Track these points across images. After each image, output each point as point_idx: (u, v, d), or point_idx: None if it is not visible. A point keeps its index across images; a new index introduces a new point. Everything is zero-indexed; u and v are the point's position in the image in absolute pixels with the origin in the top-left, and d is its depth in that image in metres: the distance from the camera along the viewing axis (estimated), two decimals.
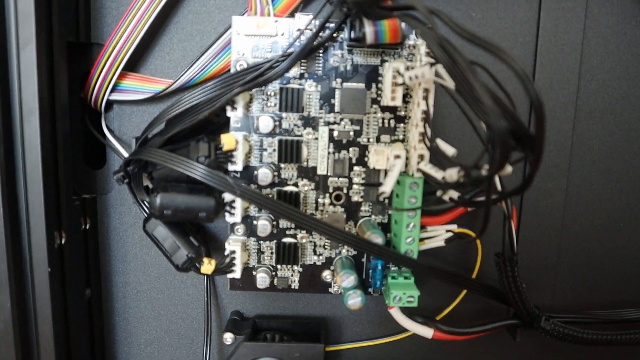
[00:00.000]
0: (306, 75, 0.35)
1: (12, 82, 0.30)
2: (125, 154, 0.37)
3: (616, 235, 0.40)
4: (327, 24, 0.33)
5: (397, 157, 0.34)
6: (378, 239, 0.34)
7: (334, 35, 0.34)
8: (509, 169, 0.30)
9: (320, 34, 0.33)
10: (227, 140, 0.33)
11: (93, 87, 0.36)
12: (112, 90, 0.36)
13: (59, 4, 0.33)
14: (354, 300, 0.35)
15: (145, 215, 0.36)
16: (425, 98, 0.33)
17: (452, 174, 0.31)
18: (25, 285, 0.33)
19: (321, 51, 0.35)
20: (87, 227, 0.38)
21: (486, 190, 0.28)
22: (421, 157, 0.34)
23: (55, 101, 0.33)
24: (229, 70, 0.35)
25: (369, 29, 0.32)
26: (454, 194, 0.34)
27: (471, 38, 0.24)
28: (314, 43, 0.34)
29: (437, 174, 0.33)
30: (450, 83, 0.30)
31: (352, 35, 0.33)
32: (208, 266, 0.35)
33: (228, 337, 0.37)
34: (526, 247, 0.40)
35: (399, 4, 0.28)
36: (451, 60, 0.26)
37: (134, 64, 0.37)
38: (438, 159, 0.33)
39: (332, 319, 0.41)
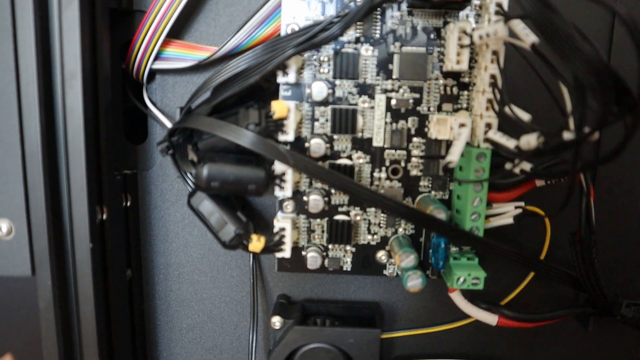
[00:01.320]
0: (362, 39, 0.32)
1: (54, 42, 0.29)
2: (169, 125, 0.35)
3: None
4: None
5: (463, 125, 0.31)
6: (442, 214, 0.31)
7: None
8: (596, 134, 0.27)
9: None
10: (278, 107, 0.31)
11: (135, 55, 0.34)
12: (155, 59, 0.34)
13: None
14: (414, 281, 0.32)
15: (190, 189, 0.33)
16: (495, 61, 0.31)
17: (531, 140, 0.28)
18: (66, 262, 0.31)
19: (378, 12, 0.32)
20: (129, 204, 0.36)
21: (573, 157, 0.25)
22: (489, 125, 0.31)
23: (97, 69, 0.32)
24: (279, 35, 0.33)
25: None
26: (525, 165, 0.31)
27: None
28: (371, 3, 0.31)
29: (509, 142, 0.30)
30: (528, 39, 0.27)
31: None
32: (257, 243, 0.32)
33: (277, 321, 0.34)
34: (602, 227, 0.36)
35: None
36: (542, 10, 0.23)
37: (177, 31, 0.35)
38: (511, 126, 0.30)
39: (386, 304, 0.38)
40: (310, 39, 0.31)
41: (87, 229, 0.31)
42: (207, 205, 0.33)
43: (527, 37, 0.27)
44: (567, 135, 0.25)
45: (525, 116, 0.30)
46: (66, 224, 0.31)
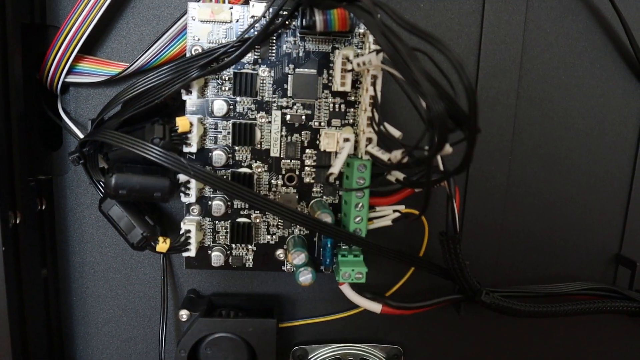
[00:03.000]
0: (260, 60, 0.36)
1: None
2: (81, 136, 0.37)
3: (554, 214, 0.43)
4: (280, 12, 0.34)
5: (346, 140, 0.36)
6: (327, 218, 0.36)
7: (287, 22, 0.36)
8: (449, 149, 0.32)
9: (274, 21, 0.35)
10: (181, 123, 0.34)
11: (48, 69, 0.36)
12: (68, 73, 0.36)
13: None
14: (305, 276, 0.36)
15: (101, 195, 0.36)
16: (373, 84, 0.35)
17: (397, 155, 0.33)
18: None
19: (275, 37, 0.36)
20: (44, 207, 0.38)
21: (426, 170, 0.30)
22: (369, 140, 0.36)
23: (9, 82, 0.34)
24: (185, 55, 0.36)
25: (318, 18, 0.33)
26: (400, 175, 0.36)
27: (411, 29, 0.26)
28: (268, 30, 0.35)
29: (384, 156, 0.35)
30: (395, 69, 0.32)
31: (304, 23, 0.34)
32: (163, 245, 0.36)
33: (184, 314, 0.38)
34: (471, 225, 0.42)
35: None
36: (392, 47, 0.27)
37: (90, 47, 0.37)
38: (385, 142, 0.35)
39: (286, 296, 0.42)
40: (212, 62, 0.34)
41: None
42: (116, 211, 0.36)
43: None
44: (424, 152, 0.30)
45: (396, 133, 0.35)
46: None
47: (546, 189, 0.43)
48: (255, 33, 0.35)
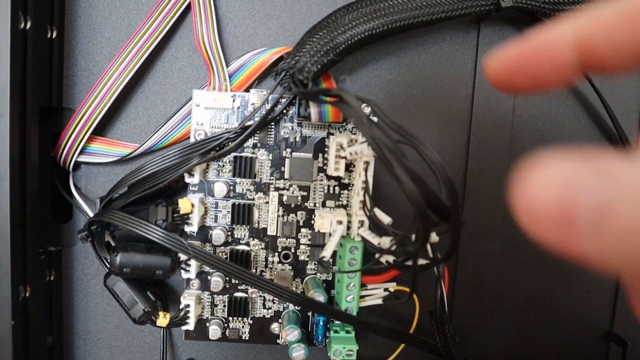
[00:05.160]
0: (259, 144, 0.38)
1: None
2: (90, 213, 0.39)
3: (545, 294, 0.44)
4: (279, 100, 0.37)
5: (339, 222, 0.38)
6: (320, 297, 0.37)
7: (284, 110, 0.38)
8: (435, 237, 0.33)
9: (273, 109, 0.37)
10: (183, 205, 0.37)
11: (63, 149, 0.39)
12: (81, 153, 0.39)
13: (33, 73, 0.36)
14: (298, 352, 0.38)
15: (107, 270, 0.38)
16: (365, 170, 0.37)
17: (386, 242, 0.34)
18: None
19: (273, 123, 0.38)
20: (52, 278, 0.40)
21: (413, 263, 0.31)
22: (361, 222, 0.37)
23: (26, 163, 0.36)
24: (189, 137, 0.38)
25: (313, 110, 0.36)
26: (390, 257, 0.38)
27: (396, 129, 0.28)
28: (267, 118, 0.37)
29: (374, 239, 0.36)
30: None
31: (300, 112, 0.37)
32: (163, 320, 0.37)
33: None
34: (463, 303, 0.43)
35: (331, 93, 0.32)
36: (376, 145, 0.28)
37: (101, 129, 0.40)
38: (375, 226, 0.36)
39: None
40: (214, 148, 0.36)
41: (9, 307, 0.35)
42: (120, 286, 0.38)
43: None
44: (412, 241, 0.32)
45: (386, 219, 0.37)
46: None
47: (536, 268, 0.44)
48: (256, 120, 0.37)
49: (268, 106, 0.37)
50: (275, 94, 0.37)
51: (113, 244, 0.38)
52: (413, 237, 0.32)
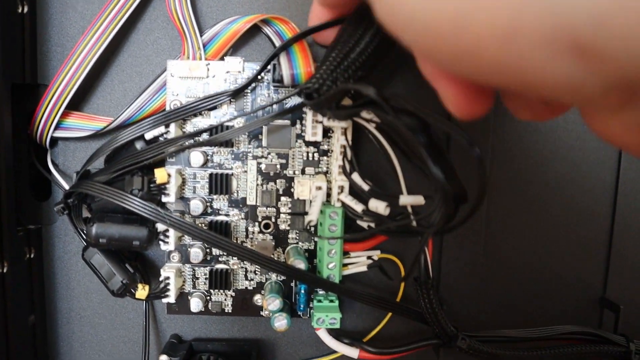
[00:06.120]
0: (235, 112, 0.38)
1: None
2: (67, 188, 0.39)
3: (536, 258, 0.43)
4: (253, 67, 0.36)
5: (319, 188, 0.37)
6: (301, 264, 0.37)
7: (260, 76, 0.37)
8: (421, 200, 0.33)
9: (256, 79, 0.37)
10: (160, 175, 0.36)
11: (37, 125, 0.38)
12: (56, 128, 0.38)
13: (4, 48, 0.36)
14: (280, 322, 0.37)
15: (84, 244, 0.38)
16: (344, 134, 0.36)
17: (379, 206, 0.34)
18: None
19: (249, 91, 0.38)
20: (32, 256, 0.40)
21: (421, 244, 0.30)
22: (341, 188, 0.37)
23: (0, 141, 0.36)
24: (164, 109, 0.38)
25: (286, 73, 0.35)
26: (372, 222, 0.37)
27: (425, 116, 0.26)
28: (241, 86, 0.37)
29: (357, 205, 0.36)
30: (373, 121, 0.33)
31: (275, 77, 0.36)
32: (142, 291, 0.37)
33: (164, 359, 0.39)
34: (451, 269, 0.42)
35: (360, 101, 0.29)
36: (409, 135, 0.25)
37: (77, 104, 0.39)
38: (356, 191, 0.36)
39: (266, 341, 0.43)
40: (185, 116, 0.36)
41: None
42: (98, 259, 0.37)
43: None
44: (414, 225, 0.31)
45: (365, 186, 0.36)
46: None
47: (526, 233, 0.43)
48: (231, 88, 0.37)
49: (245, 75, 0.37)
50: (254, 62, 0.37)
51: (90, 217, 0.38)
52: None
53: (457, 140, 0.25)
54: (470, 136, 0.23)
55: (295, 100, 0.38)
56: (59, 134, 0.39)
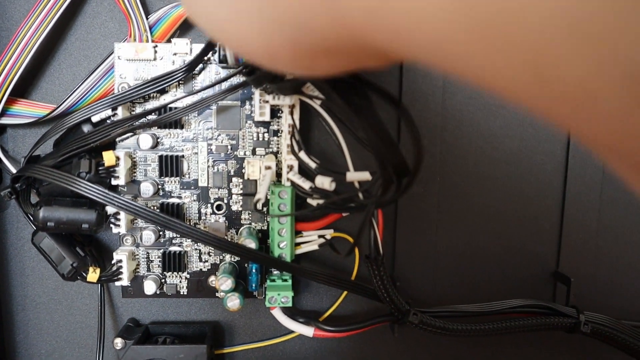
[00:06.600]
0: (184, 94, 0.38)
1: None
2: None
3: (489, 234, 0.44)
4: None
5: (268, 168, 0.37)
6: (251, 244, 0.37)
7: (209, 59, 0.37)
8: (368, 176, 0.33)
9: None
10: (107, 157, 0.36)
11: None
12: (3, 115, 0.38)
13: None
14: (233, 302, 0.37)
15: (34, 228, 0.38)
16: (291, 113, 0.37)
17: (325, 182, 0.34)
18: None
19: (197, 72, 0.38)
20: None
21: (365, 217, 0.30)
22: (290, 167, 0.37)
23: None
24: (113, 92, 0.38)
25: (229, 52, 0.35)
26: (321, 200, 0.37)
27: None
28: (189, 67, 0.37)
29: (305, 183, 0.36)
30: (318, 97, 0.33)
31: (220, 58, 0.36)
32: (93, 275, 0.37)
33: (118, 342, 0.39)
34: (405, 246, 0.43)
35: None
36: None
37: (25, 89, 0.39)
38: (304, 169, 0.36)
39: (224, 323, 0.43)
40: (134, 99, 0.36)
41: None
42: (47, 243, 0.37)
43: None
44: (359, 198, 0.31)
45: (312, 164, 0.36)
46: None
47: (478, 209, 0.44)
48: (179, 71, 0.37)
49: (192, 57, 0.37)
50: (202, 43, 0.37)
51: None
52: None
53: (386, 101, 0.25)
54: (396, 95, 0.24)
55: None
56: (5, 121, 0.39)
